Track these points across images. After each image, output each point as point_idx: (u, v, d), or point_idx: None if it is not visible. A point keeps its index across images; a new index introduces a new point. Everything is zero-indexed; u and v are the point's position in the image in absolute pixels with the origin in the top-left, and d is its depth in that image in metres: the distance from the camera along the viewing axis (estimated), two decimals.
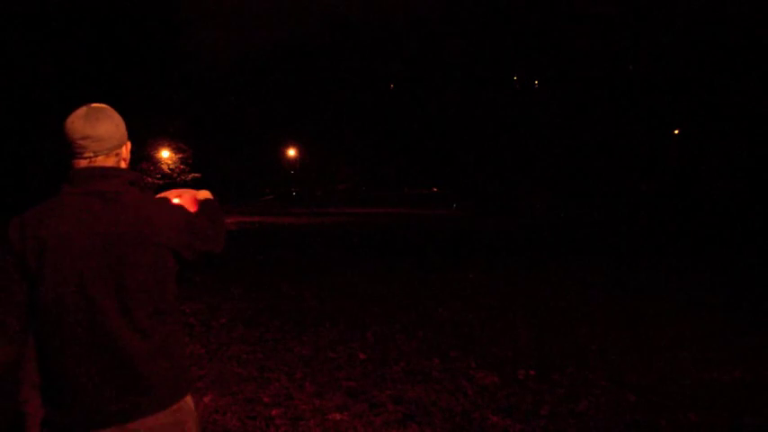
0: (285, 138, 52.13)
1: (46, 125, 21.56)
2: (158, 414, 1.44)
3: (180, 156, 32.13)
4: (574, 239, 17.57)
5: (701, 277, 9.53)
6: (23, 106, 21.10)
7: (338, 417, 3.57)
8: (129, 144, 1.64)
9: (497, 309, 6.86)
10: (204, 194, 1.83)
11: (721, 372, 4.44)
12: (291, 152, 53.09)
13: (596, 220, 26.05)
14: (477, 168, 38.50)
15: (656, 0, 28.26)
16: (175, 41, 29.37)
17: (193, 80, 34.60)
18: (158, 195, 1.70)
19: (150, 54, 26.50)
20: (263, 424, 3.49)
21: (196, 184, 34.99)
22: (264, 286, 8.30)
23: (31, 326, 1.41)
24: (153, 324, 1.45)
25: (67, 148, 1.50)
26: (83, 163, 1.49)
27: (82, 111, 1.51)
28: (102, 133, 1.50)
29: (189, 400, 1.57)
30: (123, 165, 1.59)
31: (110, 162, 1.53)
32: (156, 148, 30.74)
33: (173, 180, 32.00)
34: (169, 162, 31.69)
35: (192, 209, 1.72)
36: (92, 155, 1.50)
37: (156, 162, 31.12)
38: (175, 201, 1.72)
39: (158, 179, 31.43)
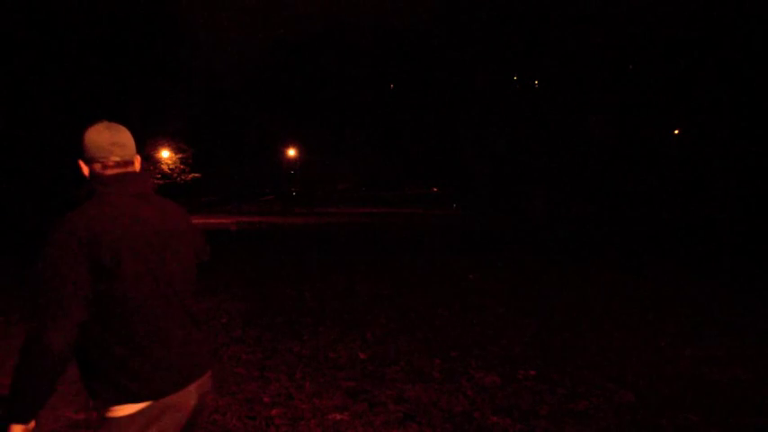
0: (285, 138, 52.13)
1: (45, 125, 21.57)
2: (206, 373, 1.77)
3: (180, 156, 32.15)
4: (574, 239, 17.58)
5: (701, 277, 9.53)
6: (22, 106, 21.09)
7: (338, 417, 3.57)
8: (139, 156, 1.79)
9: (497, 309, 6.86)
10: None
11: (721, 372, 4.44)
12: (291, 152, 53.09)
13: (596, 219, 26.05)
14: (478, 168, 38.50)
15: (657, 0, 28.27)
16: (176, 42, 29.39)
17: (193, 80, 34.62)
18: None
19: (151, 55, 26.51)
20: (263, 424, 3.49)
21: (196, 184, 35.07)
22: (264, 286, 8.31)
23: (85, 315, 1.52)
24: (193, 304, 1.76)
25: (94, 155, 1.65)
26: (115, 168, 1.66)
27: (102, 123, 1.70)
28: (125, 141, 1.71)
29: None
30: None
31: (134, 168, 1.72)
32: (156, 148, 30.76)
33: (173, 180, 32.00)
34: (169, 162, 31.71)
35: None
36: (118, 159, 1.66)
37: (156, 162, 31.14)
38: None
39: (158, 179, 31.44)
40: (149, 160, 30.68)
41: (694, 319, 6.33)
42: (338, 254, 13.31)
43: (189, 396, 1.68)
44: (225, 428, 3.40)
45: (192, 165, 32.96)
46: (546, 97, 34.69)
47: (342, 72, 54.67)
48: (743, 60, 23.95)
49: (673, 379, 4.28)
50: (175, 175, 31.97)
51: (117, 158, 1.65)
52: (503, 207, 34.92)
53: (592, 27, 30.54)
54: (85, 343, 1.58)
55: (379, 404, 3.78)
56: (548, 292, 8.06)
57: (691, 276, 9.64)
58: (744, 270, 10.42)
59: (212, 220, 31.01)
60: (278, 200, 50.52)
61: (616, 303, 7.22)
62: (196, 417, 1.76)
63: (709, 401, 3.83)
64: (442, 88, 43.12)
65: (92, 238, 1.49)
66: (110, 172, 1.64)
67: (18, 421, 1.50)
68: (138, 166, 1.74)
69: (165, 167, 31.45)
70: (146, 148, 29.58)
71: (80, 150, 1.66)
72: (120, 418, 1.56)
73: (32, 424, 1.52)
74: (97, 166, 1.64)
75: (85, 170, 1.67)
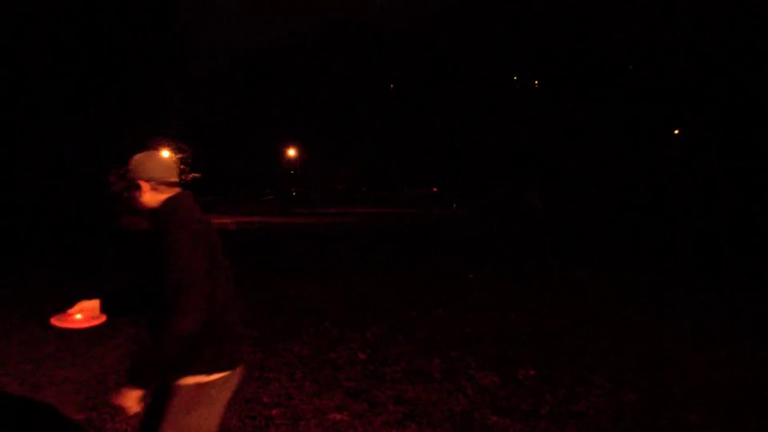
0: (285, 138, 52.13)
1: (45, 125, 21.54)
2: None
3: (180, 156, 32.10)
4: (573, 240, 17.58)
5: (701, 277, 9.53)
6: (20, 107, 21.08)
7: (338, 417, 3.57)
8: None
9: (497, 309, 6.86)
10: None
11: (721, 372, 4.44)
12: (291, 152, 53.09)
13: (596, 219, 26.05)
14: (478, 168, 38.51)
15: (657, 0, 28.27)
16: (175, 42, 29.36)
17: (194, 80, 34.59)
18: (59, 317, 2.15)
19: (150, 54, 26.48)
20: (263, 424, 3.49)
21: (196, 184, 35.04)
22: (264, 286, 8.30)
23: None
24: None
25: (161, 170, 2.05)
26: (175, 179, 2.06)
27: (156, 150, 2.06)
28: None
29: None
30: None
31: None
32: (156, 148, 30.72)
33: None
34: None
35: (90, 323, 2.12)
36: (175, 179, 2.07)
37: None
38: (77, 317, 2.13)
39: None
40: None
41: (694, 319, 6.33)
42: (338, 254, 13.31)
43: (237, 376, 1.96)
44: (224, 428, 3.40)
45: (192, 165, 32.90)
46: (546, 97, 34.69)
47: (342, 72, 54.67)
48: (743, 60, 23.96)
49: (673, 379, 4.28)
50: None
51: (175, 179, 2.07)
52: (502, 207, 34.90)
53: (592, 27, 30.54)
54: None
55: (379, 404, 3.78)
56: (548, 292, 8.06)
57: (691, 276, 9.64)
58: (744, 270, 10.42)
59: (213, 220, 30.99)
60: (278, 200, 50.50)
61: (616, 303, 7.22)
62: (236, 395, 2.04)
63: (709, 401, 3.82)
64: (442, 88, 43.12)
65: (206, 225, 1.94)
66: (176, 180, 2.09)
67: (142, 387, 1.78)
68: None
69: None
70: (146, 148, 29.52)
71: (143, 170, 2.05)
72: (200, 385, 1.84)
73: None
74: (169, 178, 2.06)
75: (146, 186, 2.03)
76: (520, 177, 35.81)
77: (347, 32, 56.68)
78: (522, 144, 34.39)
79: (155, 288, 1.83)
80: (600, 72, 30.43)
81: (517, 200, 35.21)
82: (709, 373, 4.41)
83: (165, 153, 31.37)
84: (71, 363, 4.69)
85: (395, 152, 51.81)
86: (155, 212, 2.00)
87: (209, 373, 1.86)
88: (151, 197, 2.02)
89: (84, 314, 2.11)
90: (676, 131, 30.20)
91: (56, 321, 2.10)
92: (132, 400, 1.79)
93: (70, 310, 2.13)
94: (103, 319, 2.13)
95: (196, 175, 33.30)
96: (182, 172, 32.29)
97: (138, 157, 2.09)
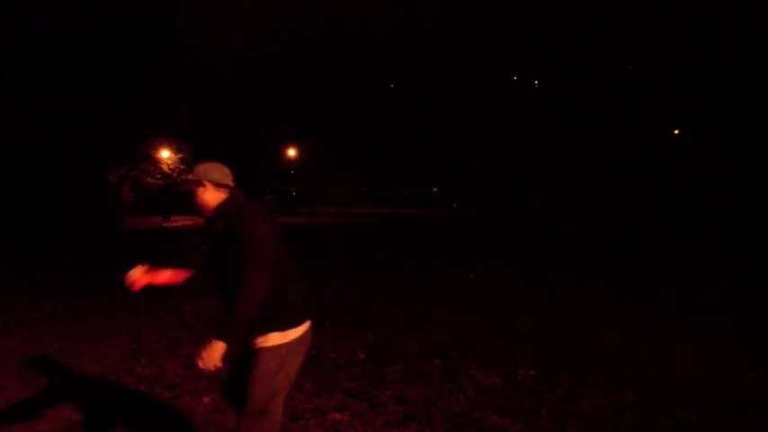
0: (285, 138, 52.12)
1: (45, 126, 21.56)
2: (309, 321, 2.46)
3: (180, 156, 32.09)
4: (573, 239, 17.58)
5: (702, 277, 9.53)
6: (21, 107, 21.08)
7: (338, 416, 3.57)
8: None
9: (497, 309, 6.86)
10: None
11: (721, 372, 4.44)
12: (291, 152, 53.08)
13: (596, 219, 26.06)
14: (478, 168, 38.51)
15: (657, 0, 28.27)
16: (176, 42, 29.37)
17: (194, 80, 34.57)
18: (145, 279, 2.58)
19: (150, 54, 26.49)
20: None
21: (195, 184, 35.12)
22: None
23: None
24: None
25: (222, 174, 2.53)
26: (232, 182, 2.57)
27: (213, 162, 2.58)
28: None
29: None
30: None
31: None
32: (156, 148, 30.70)
33: (173, 179, 31.98)
34: (169, 162, 31.65)
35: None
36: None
37: (155, 162, 31.10)
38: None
39: (158, 179, 31.42)
40: (149, 160, 30.64)
41: (695, 319, 6.33)
42: (338, 254, 13.31)
43: (308, 333, 2.41)
44: (225, 428, 3.40)
45: (192, 165, 32.94)
46: (546, 97, 34.70)
47: (342, 72, 54.67)
48: (742, 60, 23.96)
49: (673, 379, 4.28)
50: (175, 175, 31.92)
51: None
52: (503, 207, 34.92)
53: (592, 27, 30.54)
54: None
55: (379, 404, 3.78)
56: (548, 291, 8.06)
57: (691, 276, 9.64)
58: (744, 270, 10.42)
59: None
60: (278, 200, 50.48)
61: (616, 303, 7.22)
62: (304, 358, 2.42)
63: (709, 401, 3.83)
64: (443, 88, 43.12)
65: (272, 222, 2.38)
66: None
67: (229, 342, 2.21)
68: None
69: (165, 167, 31.38)
70: (146, 148, 29.53)
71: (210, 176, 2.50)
72: (279, 346, 2.30)
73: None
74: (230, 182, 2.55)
75: (209, 186, 2.49)
76: (520, 177, 35.82)
77: (347, 33, 56.66)
78: (523, 144, 34.40)
79: (225, 265, 2.31)
80: (600, 72, 30.43)
81: (517, 200, 35.21)
82: (709, 373, 4.41)
83: (165, 153, 31.40)
84: (71, 363, 4.69)
85: (395, 152, 51.81)
86: (222, 207, 2.49)
87: (285, 329, 2.31)
88: (212, 196, 2.51)
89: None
90: (676, 131, 30.21)
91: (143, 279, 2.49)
92: (216, 354, 2.21)
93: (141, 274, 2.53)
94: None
95: None
96: (181, 172, 32.30)
97: (203, 163, 2.57)
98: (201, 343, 2.21)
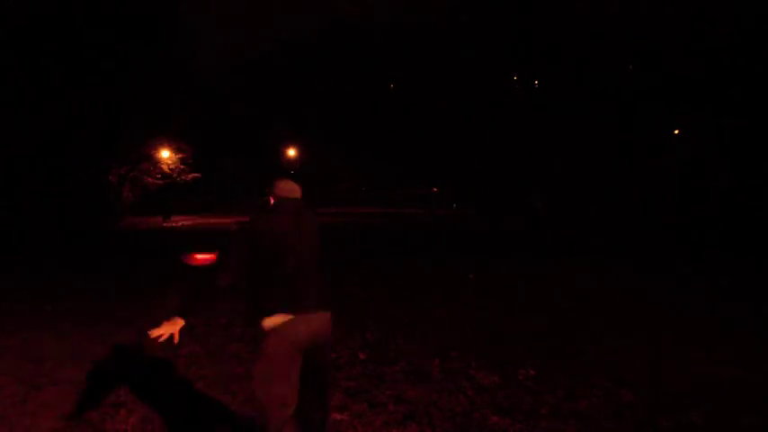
0: (285, 138, 52.11)
1: (45, 125, 21.55)
2: (321, 313, 2.70)
3: (180, 156, 32.09)
4: (574, 240, 17.58)
5: (702, 277, 9.53)
6: (22, 108, 21.08)
7: (338, 417, 3.57)
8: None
9: (497, 309, 6.86)
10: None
11: (722, 371, 4.44)
12: (291, 152, 53.07)
13: (597, 219, 26.06)
14: (478, 168, 38.51)
15: (657, 0, 28.26)
16: (176, 42, 29.36)
17: (194, 80, 34.57)
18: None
19: (151, 54, 26.49)
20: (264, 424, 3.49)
21: (196, 184, 34.99)
22: None
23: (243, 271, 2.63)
24: (314, 273, 2.80)
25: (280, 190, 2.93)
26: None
27: (284, 179, 2.98)
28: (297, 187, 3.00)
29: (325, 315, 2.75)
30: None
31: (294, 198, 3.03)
32: (156, 148, 30.69)
33: (173, 180, 31.98)
34: (169, 162, 31.64)
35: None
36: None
37: (156, 162, 31.08)
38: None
39: (158, 179, 31.40)
40: (149, 160, 30.62)
41: (695, 318, 6.33)
42: (337, 254, 13.31)
43: (315, 319, 2.62)
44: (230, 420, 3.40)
45: (192, 165, 32.87)
46: (546, 97, 34.69)
47: (342, 72, 54.64)
48: (743, 60, 23.95)
49: (673, 379, 4.28)
50: (175, 175, 31.90)
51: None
52: (503, 207, 34.91)
53: (592, 27, 30.52)
54: (271, 281, 2.59)
55: (379, 404, 3.78)
56: (548, 291, 8.06)
57: (691, 276, 9.64)
58: (744, 270, 10.42)
59: (213, 221, 31.00)
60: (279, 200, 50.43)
61: (616, 303, 7.22)
62: (322, 346, 2.68)
63: (709, 401, 3.82)
64: (443, 88, 43.10)
65: (253, 231, 2.64)
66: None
67: (184, 317, 2.69)
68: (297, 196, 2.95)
69: (165, 167, 31.36)
70: (146, 148, 29.52)
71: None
72: (279, 325, 2.54)
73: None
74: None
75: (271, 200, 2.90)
76: (520, 177, 35.81)
77: (347, 32, 56.65)
78: (523, 144, 34.39)
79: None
80: (600, 72, 30.42)
81: (518, 200, 35.21)
82: (709, 373, 4.41)
83: (165, 153, 31.39)
84: (71, 363, 4.69)
85: (395, 152, 51.79)
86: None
87: (290, 313, 2.56)
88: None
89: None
90: (676, 131, 30.19)
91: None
92: (176, 328, 2.66)
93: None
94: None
95: (196, 174, 33.31)
96: (181, 172, 32.31)
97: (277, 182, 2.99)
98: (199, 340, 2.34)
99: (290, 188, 2.93)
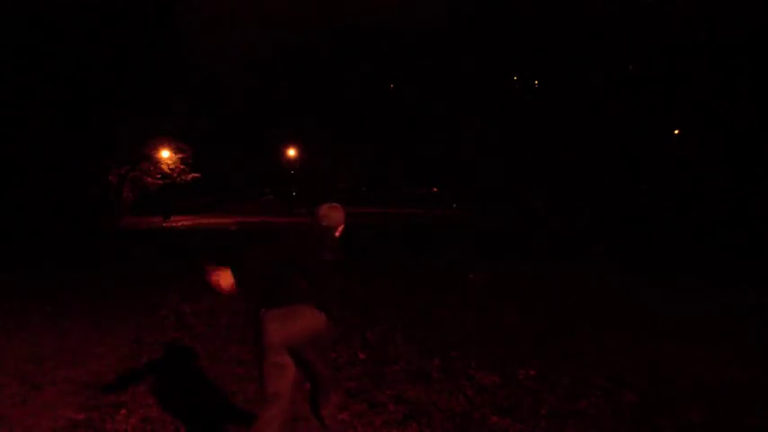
0: (285, 138, 52.11)
1: (46, 126, 21.54)
2: (307, 308, 2.69)
3: (180, 156, 32.06)
4: (574, 240, 17.58)
5: (701, 277, 9.53)
6: (22, 107, 21.07)
7: (338, 417, 3.57)
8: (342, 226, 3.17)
9: (497, 308, 6.86)
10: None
11: (722, 372, 4.44)
12: (291, 152, 53.08)
13: (597, 220, 26.05)
14: (478, 169, 38.49)
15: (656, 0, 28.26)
16: (176, 42, 29.35)
17: (194, 80, 34.55)
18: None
19: (151, 55, 26.48)
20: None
21: (196, 184, 34.96)
22: None
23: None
24: (318, 280, 2.78)
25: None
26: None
27: (328, 205, 3.13)
28: (333, 216, 3.10)
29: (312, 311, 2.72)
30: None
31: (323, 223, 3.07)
32: (156, 148, 30.67)
33: (173, 180, 31.96)
34: (169, 162, 31.62)
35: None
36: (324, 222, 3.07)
37: (156, 162, 31.07)
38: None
39: (158, 179, 31.39)
40: (149, 160, 30.60)
41: (694, 319, 6.33)
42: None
43: (287, 314, 2.64)
44: (225, 428, 3.40)
45: (192, 165, 32.85)
46: (546, 97, 34.68)
47: (342, 72, 54.65)
48: (742, 60, 23.94)
49: (673, 379, 4.28)
50: (175, 175, 31.88)
51: (324, 222, 3.07)
52: (503, 207, 34.90)
53: (592, 27, 30.51)
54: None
55: (379, 404, 3.78)
56: (548, 291, 8.06)
57: (691, 277, 9.64)
58: (743, 271, 10.42)
59: (213, 220, 31.00)
60: (278, 200, 50.47)
61: (616, 303, 7.22)
62: (310, 341, 2.67)
63: (709, 401, 3.82)
64: (443, 88, 43.09)
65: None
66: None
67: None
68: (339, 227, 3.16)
69: (165, 167, 31.33)
70: (146, 148, 29.51)
71: None
72: (264, 314, 2.65)
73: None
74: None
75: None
76: (520, 177, 35.80)
77: (347, 33, 56.65)
78: (522, 144, 34.38)
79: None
80: (600, 72, 30.42)
81: (518, 200, 35.19)
82: (709, 373, 4.41)
83: (165, 153, 31.40)
84: (71, 363, 4.69)
85: (395, 152, 51.79)
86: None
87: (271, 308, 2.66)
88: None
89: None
90: (676, 131, 30.18)
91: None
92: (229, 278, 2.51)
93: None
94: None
95: (196, 175, 33.29)
96: (181, 172, 32.30)
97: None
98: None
99: (322, 214, 3.07)
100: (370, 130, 53.07)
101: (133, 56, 25.02)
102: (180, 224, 27.58)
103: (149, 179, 31.01)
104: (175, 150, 31.73)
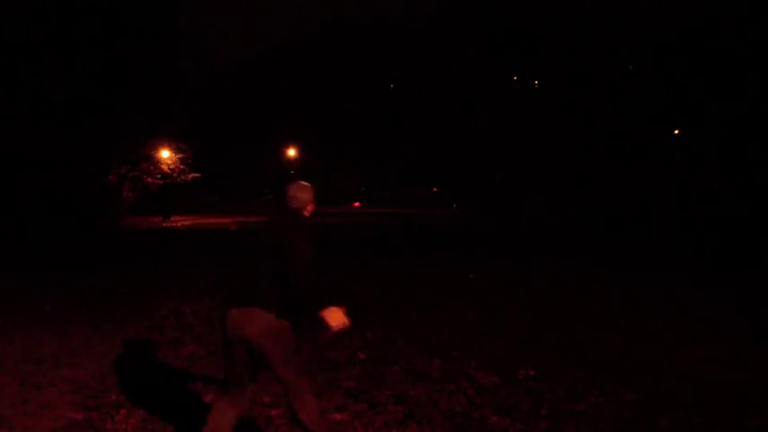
0: (285, 138, 52.12)
1: (44, 125, 21.52)
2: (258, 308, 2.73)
3: (180, 156, 32.04)
4: (574, 239, 17.58)
5: (701, 277, 9.52)
6: (22, 107, 21.06)
7: (338, 417, 3.58)
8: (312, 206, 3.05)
9: (497, 308, 6.86)
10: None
11: (722, 372, 4.44)
12: (291, 152, 53.08)
13: (597, 220, 26.05)
14: (478, 168, 38.51)
15: (657, 0, 28.28)
16: (176, 42, 29.33)
17: (194, 80, 34.54)
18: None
19: (151, 55, 26.46)
20: (263, 424, 3.50)
21: (196, 184, 34.92)
22: None
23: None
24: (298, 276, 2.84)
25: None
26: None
27: (295, 184, 3.03)
28: (301, 197, 2.99)
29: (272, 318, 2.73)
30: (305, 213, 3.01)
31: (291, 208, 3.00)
32: (156, 148, 30.64)
33: (173, 180, 31.94)
34: (169, 162, 31.60)
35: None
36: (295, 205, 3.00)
37: (156, 162, 31.05)
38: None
39: (158, 179, 31.37)
40: (149, 160, 30.59)
41: (694, 318, 6.32)
42: (337, 254, 13.30)
43: (237, 314, 2.71)
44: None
45: (192, 165, 32.84)
46: (546, 97, 34.69)
47: (342, 71, 54.65)
48: (742, 59, 23.95)
49: (673, 379, 4.28)
50: (175, 175, 31.86)
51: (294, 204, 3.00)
52: (503, 207, 34.91)
53: (592, 27, 30.53)
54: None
55: (379, 404, 3.78)
56: (548, 291, 8.06)
57: (690, 276, 9.64)
58: (743, 270, 10.41)
59: (213, 220, 30.99)
60: (278, 200, 50.47)
61: (616, 303, 7.22)
62: (271, 346, 2.70)
63: (709, 401, 3.82)
64: (443, 88, 43.11)
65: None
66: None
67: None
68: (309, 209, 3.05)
69: (165, 167, 31.31)
70: (146, 148, 29.49)
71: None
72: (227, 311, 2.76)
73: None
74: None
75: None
76: (520, 178, 35.80)
77: (347, 32, 56.66)
78: (522, 144, 34.38)
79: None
80: (600, 72, 30.43)
81: (517, 199, 35.20)
82: (709, 373, 4.41)
83: (165, 153, 31.40)
84: (71, 363, 4.69)
85: (395, 152, 51.80)
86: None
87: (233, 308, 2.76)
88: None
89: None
90: (676, 131, 30.20)
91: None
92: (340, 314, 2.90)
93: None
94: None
95: (196, 174, 33.27)
96: (181, 172, 32.28)
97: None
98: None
99: (290, 195, 3.02)
100: (369, 131, 53.07)
101: (134, 56, 25.01)
102: (180, 224, 27.57)
103: (149, 179, 30.98)
104: (175, 150, 31.70)
